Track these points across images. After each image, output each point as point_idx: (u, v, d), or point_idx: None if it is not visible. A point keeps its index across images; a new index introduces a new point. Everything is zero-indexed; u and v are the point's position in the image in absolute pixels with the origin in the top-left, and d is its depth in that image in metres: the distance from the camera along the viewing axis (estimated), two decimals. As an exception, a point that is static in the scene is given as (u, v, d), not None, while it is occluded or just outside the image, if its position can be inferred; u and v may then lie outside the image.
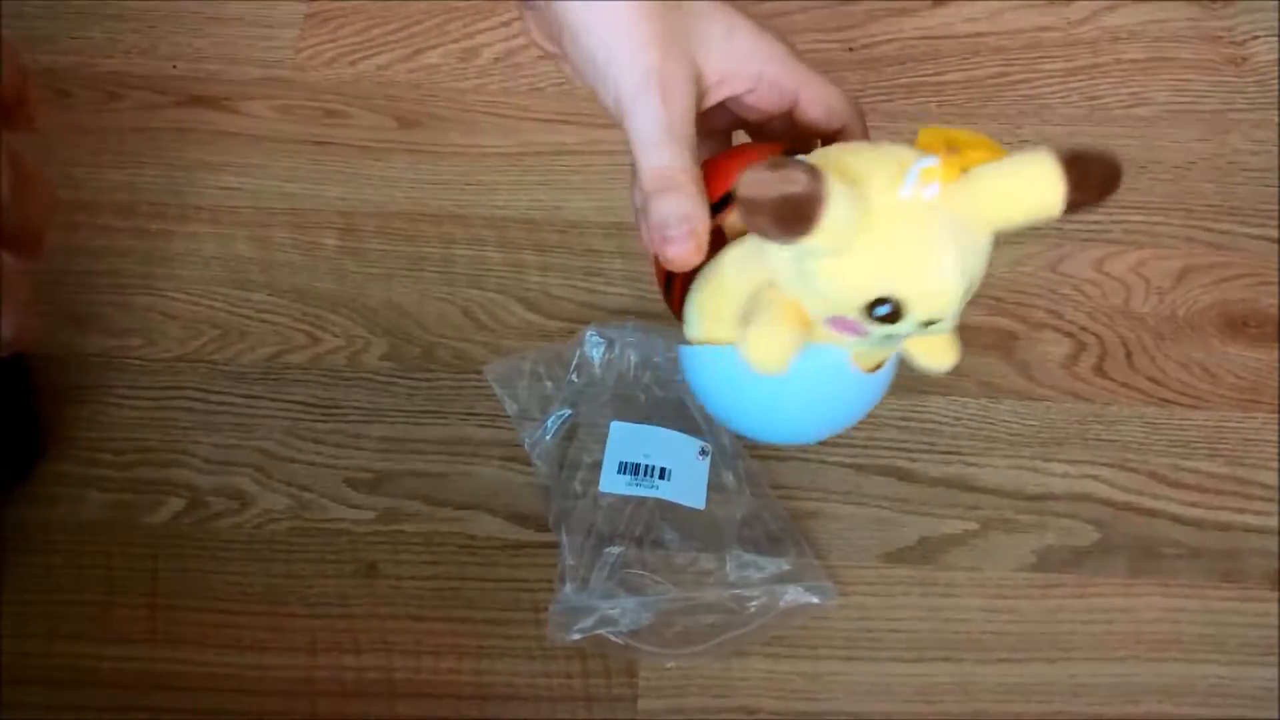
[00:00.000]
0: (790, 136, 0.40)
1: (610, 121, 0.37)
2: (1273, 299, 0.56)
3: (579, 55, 0.36)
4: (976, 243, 0.31)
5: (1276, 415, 0.53)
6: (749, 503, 0.49)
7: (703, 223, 0.35)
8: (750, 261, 0.35)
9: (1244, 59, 0.65)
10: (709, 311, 0.37)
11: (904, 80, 0.64)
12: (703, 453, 0.50)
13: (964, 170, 0.31)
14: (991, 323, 0.55)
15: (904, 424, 0.52)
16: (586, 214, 0.59)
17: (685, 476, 0.50)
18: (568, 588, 0.47)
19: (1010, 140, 0.61)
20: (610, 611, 0.46)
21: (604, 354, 0.52)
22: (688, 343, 0.39)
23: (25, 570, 0.48)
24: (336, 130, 0.61)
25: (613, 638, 0.46)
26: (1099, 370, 0.54)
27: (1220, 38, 0.66)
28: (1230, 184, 0.60)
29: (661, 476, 0.49)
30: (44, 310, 0.55)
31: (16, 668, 0.46)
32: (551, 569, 0.48)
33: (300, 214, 0.58)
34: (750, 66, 0.37)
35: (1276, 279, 0.57)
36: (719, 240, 0.36)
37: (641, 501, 0.49)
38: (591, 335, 0.52)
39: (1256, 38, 0.65)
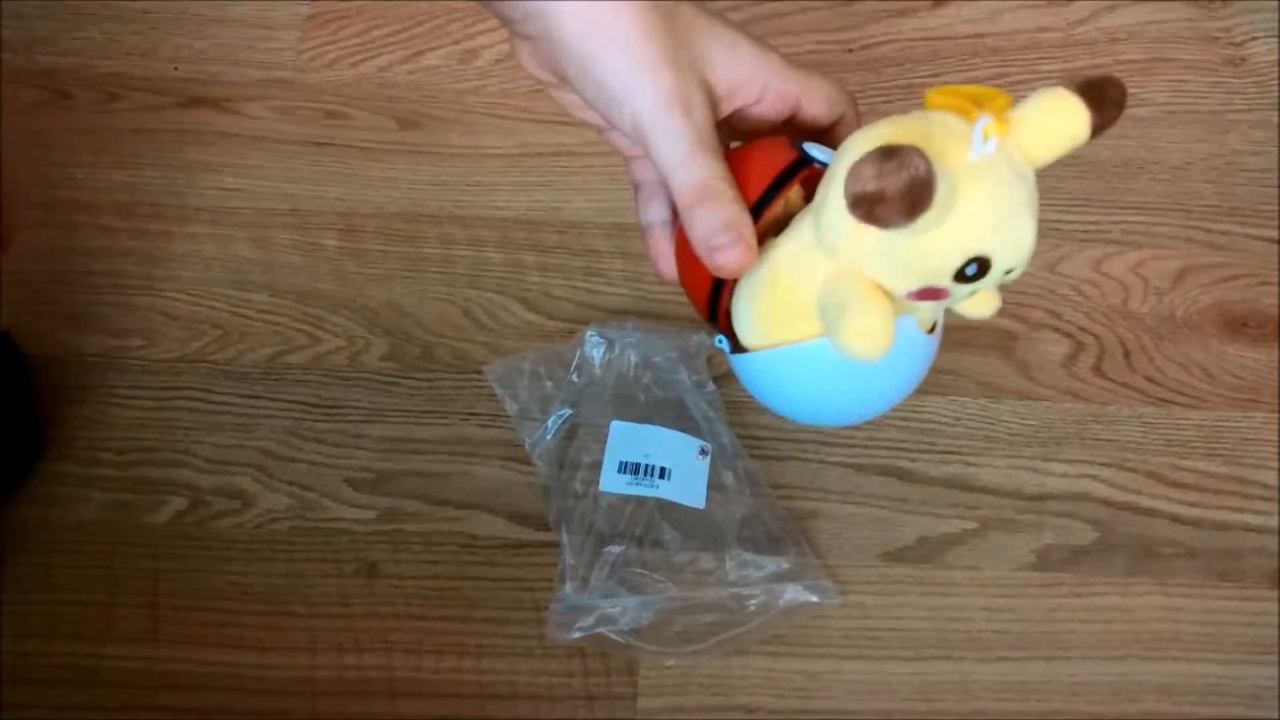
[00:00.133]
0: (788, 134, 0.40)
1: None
2: (1272, 299, 0.56)
3: (586, 84, 0.36)
4: (1031, 183, 0.33)
5: (1275, 415, 0.53)
6: (749, 502, 0.50)
7: (748, 226, 0.36)
8: (807, 255, 0.36)
9: (1242, 60, 0.65)
10: (769, 314, 0.37)
11: (903, 81, 0.64)
12: (703, 452, 0.50)
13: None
14: (991, 323, 0.55)
15: (903, 424, 0.52)
16: (586, 214, 0.59)
17: (685, 476, 0.50)
18: (568, 587, 0.47)
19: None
20: (610, 610, 0.46)
21: (604, 354, 0.52)
22: (741, 350, 0.39)
23: (25, 570, 0.48)
24: (337, 131, 0.62)
25: (613, 636, 0.46)
26: (1098, 370, 0.54)
27: (1218, 38, 0.66)
28: (1229, 184, 0.60)
29: (661, 476, 0.49)
30: (44, 310, 0.55)
31: (16, 668, 0.46)
32: (551, 568, 0.48)
33: (301, 215, 0.58)
34: (756, 77, 0.38)
35: (1275, 279, 0.57)
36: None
37: (641, 501, 0.49)
38: (591, 335, 0.52)
39: (1255, 38, 0.66)
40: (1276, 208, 0.59)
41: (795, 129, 0.40)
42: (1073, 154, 0.33)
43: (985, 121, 0.32)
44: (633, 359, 0.52)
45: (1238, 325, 0.55)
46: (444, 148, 0.61)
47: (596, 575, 0.47)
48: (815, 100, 0.39)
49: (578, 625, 0.46)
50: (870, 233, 0.32)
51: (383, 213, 0.59)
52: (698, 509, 0.49)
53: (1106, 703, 0.46)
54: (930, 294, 0.34)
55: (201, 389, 0.53)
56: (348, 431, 0.52)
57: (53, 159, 0.60)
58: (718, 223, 0.35)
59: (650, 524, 0.49)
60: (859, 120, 0.40)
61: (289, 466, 0.51)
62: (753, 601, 0.47)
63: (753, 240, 0.36)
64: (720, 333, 0.40)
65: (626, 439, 0.50)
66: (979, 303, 0.39)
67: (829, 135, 0.40)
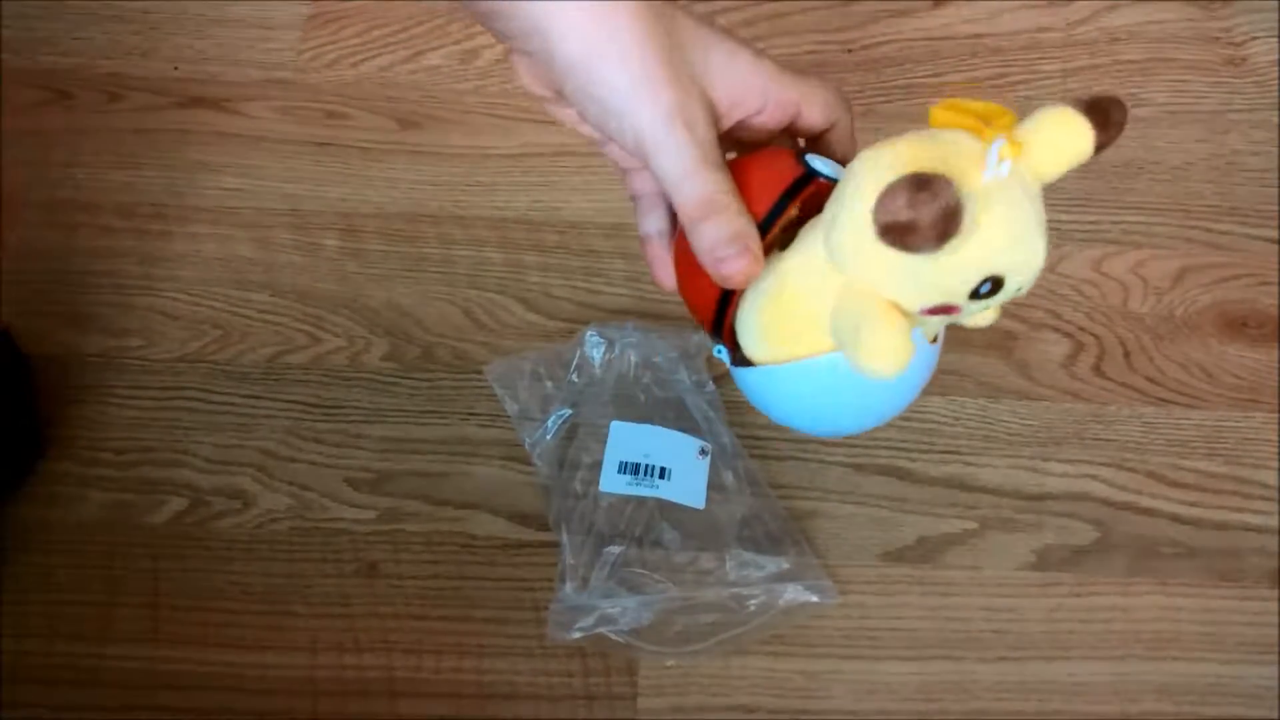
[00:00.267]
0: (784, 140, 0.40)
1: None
2: (1272, 299, 0.56)
3: (585, 100, 0.36)
4: (1039, 201, 0.34)
5: (1275, 415, 0.53)
6: (749, 502, 0.50)
7: (754, 238, 0.36)
8: (816, 270, 0.36)
9: (1242, 60, 0.65)
10: (776, 326, 0.38)
11: (903, 81, 0.64)
12: (703, 452, 0.50)
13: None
14: (990, 323, 0.55)
15: (903, 424, 0.52)
16: (586, 214, 0.59)
17: (685, 476, 0.50)
18: (568, 587, 0.47)
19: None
20: (610, 610, 0.46)
21: (604, 354, 0.52)
22: (744, 362, 0.39)
23: (25, 570, 0.48)
24: (337, 131, 0.62)
25: (613, 636, 0.46)
26: (1097, 370, 0.54)
27: (1218, 39, 0.66)
28: (1229, 184, 0.60)
29: (661, 476, 0.49)
30: (44, 310, 0.55)
31: (16, 668, 0.46)
32: (551, 568, 0.48)
33: (301, 215, 0.58)
34: (756, 89, 0.38)
35: (1275, 279, 0.57)
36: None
37: (641, 501, 0.49)
38: (591, 335, 0.52)
39: (1255, 38, 0.65)
40: (1276, 208, 0.59)
41: (792, 135, 0.40)
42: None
43: (1001, 144, 0.32)
44: (633, 359, 0.52)
45: (1238, 325, 0.55)
46: (444, 148, 0.61)
47: (596, 575, 0.47)
48: (813, 106, 0.39)
49: (578, 625, 0.46)
50: (891, 254, 0.32)
51: (383, 213, 0.59)
52: (698, 509, 0.49)
53: (1106, 703, 0.46)
54: (943, 310, 0.35)
55: (201, 389, 0.53)
56: (348, 431, 0.52)
57: (53, 159, 0.60)
58: (724, 235, 0.35)
59: (650, 524, 0.49)
60: (852, 121, 0.40)
61: (289, 466, 0.51)
62: (753, 601, 0.47)
63: (759, 251, 0.36)
64: (723, 344, 0.40)
65: (626, 439, 0.50)
66: (982, 314, 0.39)
67: (824, 140, 0.40)
